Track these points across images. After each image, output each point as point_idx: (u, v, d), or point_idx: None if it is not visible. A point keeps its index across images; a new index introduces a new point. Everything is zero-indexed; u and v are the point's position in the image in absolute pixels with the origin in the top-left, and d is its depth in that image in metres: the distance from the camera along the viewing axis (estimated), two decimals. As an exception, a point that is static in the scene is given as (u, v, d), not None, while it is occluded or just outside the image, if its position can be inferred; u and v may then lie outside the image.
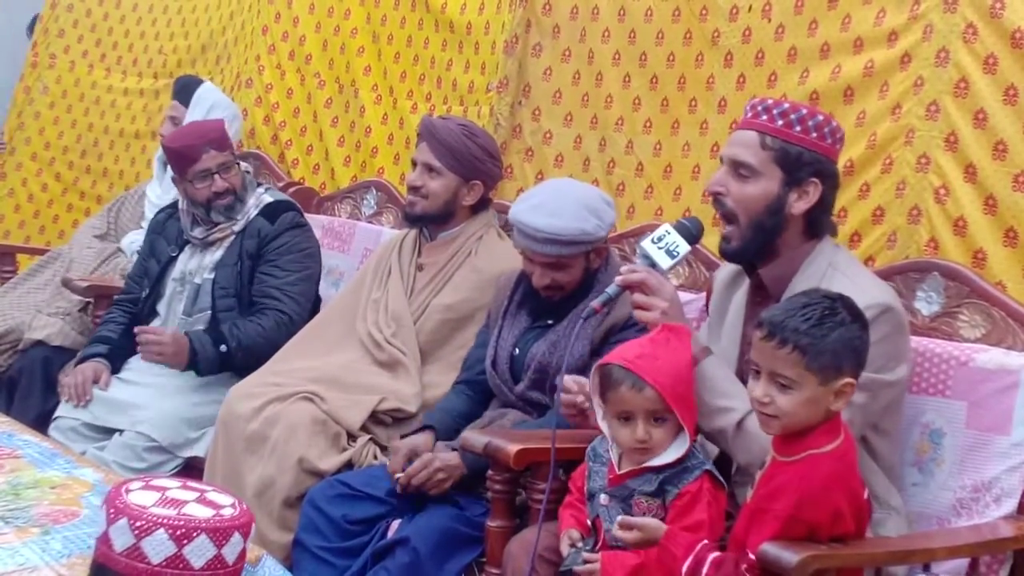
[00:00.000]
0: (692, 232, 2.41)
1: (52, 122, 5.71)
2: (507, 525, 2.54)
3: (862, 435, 2.26)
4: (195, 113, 4.29)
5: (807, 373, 1.98)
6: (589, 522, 2.31)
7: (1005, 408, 2.38)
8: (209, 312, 3.58)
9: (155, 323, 3.65)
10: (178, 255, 3.70)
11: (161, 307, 3.70)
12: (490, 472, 2.56)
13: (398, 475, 2.78)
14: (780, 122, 2.33)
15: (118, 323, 3.71)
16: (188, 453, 3.41)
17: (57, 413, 3.53)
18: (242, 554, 1.69)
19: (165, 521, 1.63)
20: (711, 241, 2.82)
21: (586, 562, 2.21)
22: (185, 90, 4.45)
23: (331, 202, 4.33)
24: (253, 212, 3.64)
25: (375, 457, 3.03)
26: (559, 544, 2.30)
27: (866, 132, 2.92)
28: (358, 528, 2.81)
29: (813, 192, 2.34)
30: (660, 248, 2.36)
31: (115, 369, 3.60)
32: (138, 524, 1.62)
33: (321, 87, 4.69)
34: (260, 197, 3.69)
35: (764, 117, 2.35)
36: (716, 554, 2.06)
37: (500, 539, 2.50)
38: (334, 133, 4.64)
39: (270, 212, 3.64)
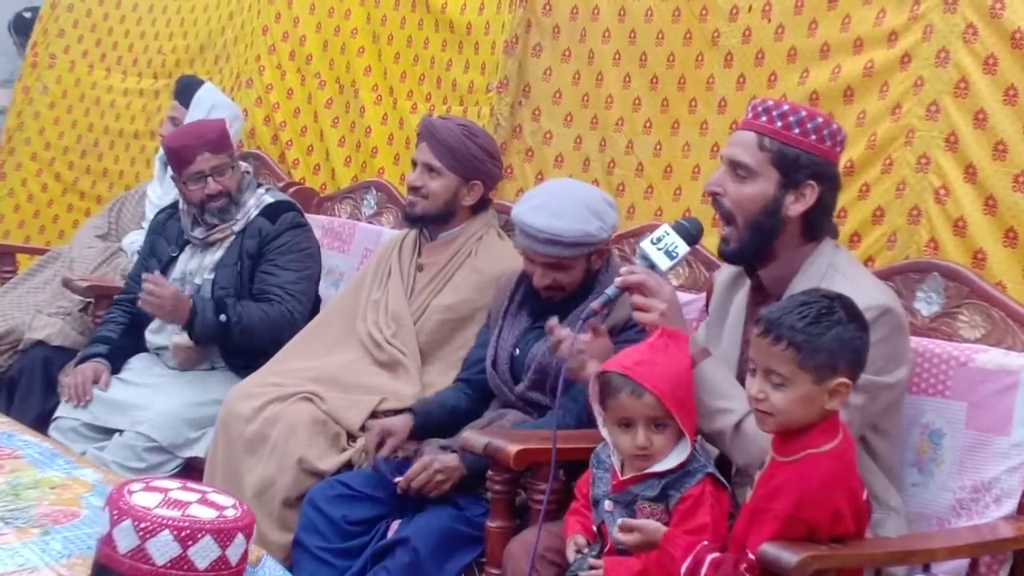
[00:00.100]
0: (691, 233, 2.41)
1: (52, 122, 5.71)
2: (507, 525, 2.55)
3: (861, 435, 2.26)
4: (195, 114, 4.27)
5: (800, 371, 1.98)
6: (595, 528, 2.31)
7: (1005, 408, 2.38)
8: (209, 312, 3.58)
9: (155, 323, 3.65)
10: (178, 255, 3.70)
11: (161, 307, 3.70)
12: (490, 472, 2.56)
13: (398, 478, 2.79)
14: (779, 124, 2.33)
15: (118, 323, 3.72)
16: (188, 453, 3.41)
17: (57, 413, 3.53)
18: (245, 555, 1.70)
19: (170, 522, 1.63)
20: (711, 242, 2.82)
21: (592, 568, 2.21)
22: (186, 90, 4.44)
23: (331, 202, 4.33)
24: (254, 212, 3.64)
25: (375, 457, 3.04)
26: (560, 544, 2.31)
27: (866, 132, 2.92)
28: (358, 528, 2.81)
29: (810, 194, 2.34)
30: (659, 249, 2.37)
31: (115, 369, 3.60)
32: (143, 525, 1.62)
33: (321, 87, 4.69)
34: (261, 197, 3.69)
35: (764, 118, 2.35)
36: (715, 555, 2.06)
37: (500, 539, 2.50)
38: (334, 133, 4.64)
39: (271, 212, 3.64)
